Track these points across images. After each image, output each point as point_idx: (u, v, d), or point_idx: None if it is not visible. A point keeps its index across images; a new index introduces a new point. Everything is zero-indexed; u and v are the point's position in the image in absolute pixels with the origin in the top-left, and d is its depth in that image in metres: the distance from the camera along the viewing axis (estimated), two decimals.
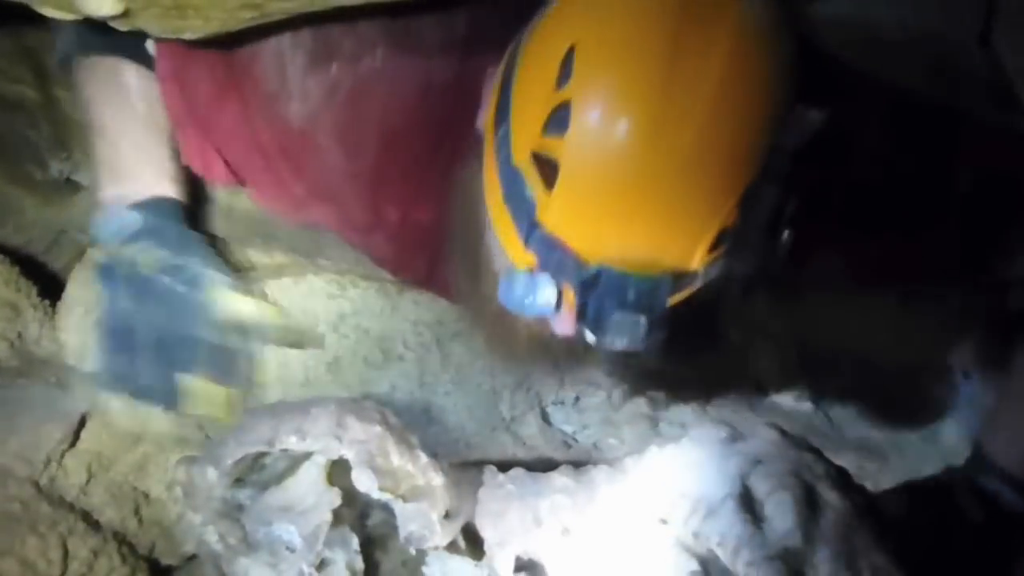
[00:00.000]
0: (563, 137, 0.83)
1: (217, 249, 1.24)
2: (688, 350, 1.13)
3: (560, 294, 0.87)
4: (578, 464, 1.17)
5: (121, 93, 1.17)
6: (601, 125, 0.82)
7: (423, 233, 1.18)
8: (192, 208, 1.24)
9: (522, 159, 0.88)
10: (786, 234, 0.90)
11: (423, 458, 1.05)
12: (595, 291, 0.85)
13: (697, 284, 0.88)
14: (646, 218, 0.83)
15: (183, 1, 0.90)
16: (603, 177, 0.83)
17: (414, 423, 1.23)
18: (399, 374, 1.38)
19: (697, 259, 0.86)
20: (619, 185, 0.83)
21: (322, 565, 1.02)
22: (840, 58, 1.12)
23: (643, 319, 0.84)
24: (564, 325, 0.90)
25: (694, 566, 0.91)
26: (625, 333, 0.85)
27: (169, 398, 1.12)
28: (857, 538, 0.88)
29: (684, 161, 0.81)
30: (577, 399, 1.53)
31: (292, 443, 1.00)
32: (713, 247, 0.85)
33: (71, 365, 1.22)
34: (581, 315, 0.87)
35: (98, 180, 1.20)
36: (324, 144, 1.11)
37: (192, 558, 1.16)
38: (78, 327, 1.23)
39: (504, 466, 1.22)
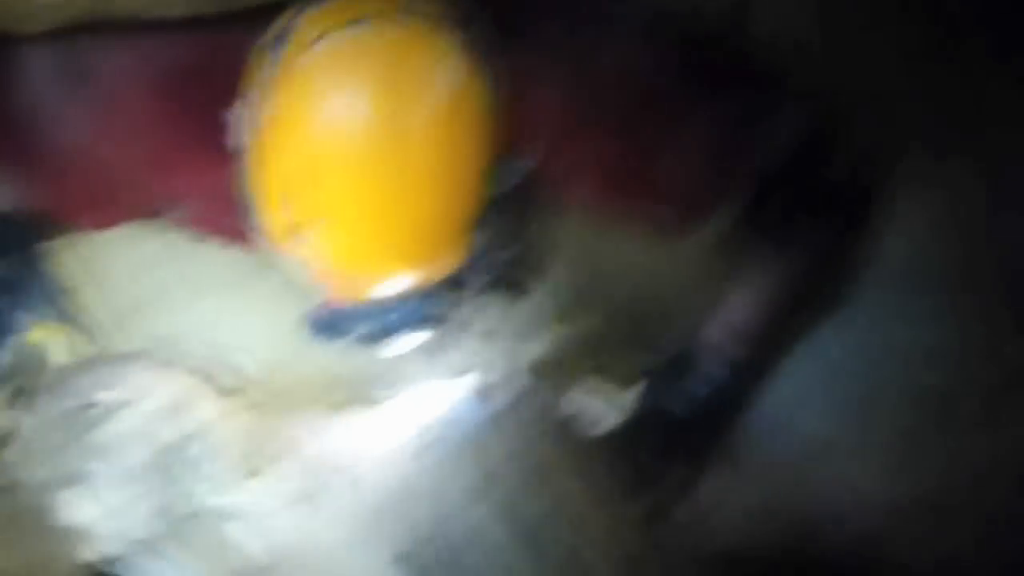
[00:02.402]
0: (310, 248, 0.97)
1: None
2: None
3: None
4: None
5: None
6: (341, 249, 0.96)
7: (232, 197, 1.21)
8: None
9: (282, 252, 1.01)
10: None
11: (226, 404, 1.24)
12: (386, 321, 1.03)
13: None
14: (403, 270, 1.00)
15: None
16: (359, 267, 0.99)
17: (214, 365, 1.40)
18: (203, 312, 1.47)
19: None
20: (375, 265, 0.99)
21: (138, 498, 1.20)
22: None
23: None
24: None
25: None
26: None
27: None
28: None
29: (419, 234, 0.96)
30: None
31: (112, 395, 1.17)
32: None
33: None
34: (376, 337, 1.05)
35: None
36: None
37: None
38: None
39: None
